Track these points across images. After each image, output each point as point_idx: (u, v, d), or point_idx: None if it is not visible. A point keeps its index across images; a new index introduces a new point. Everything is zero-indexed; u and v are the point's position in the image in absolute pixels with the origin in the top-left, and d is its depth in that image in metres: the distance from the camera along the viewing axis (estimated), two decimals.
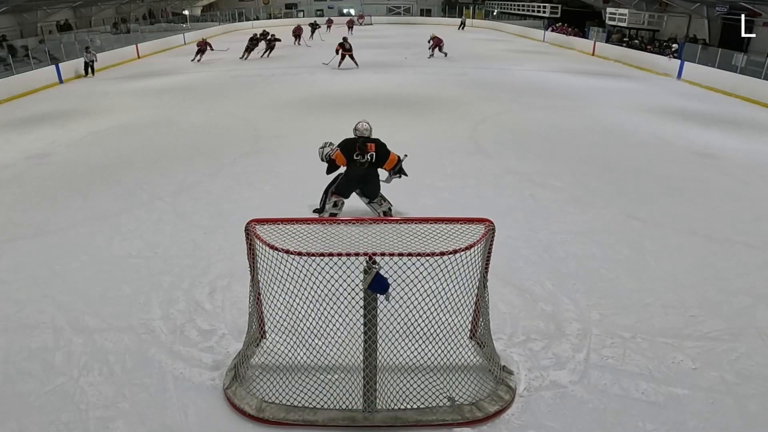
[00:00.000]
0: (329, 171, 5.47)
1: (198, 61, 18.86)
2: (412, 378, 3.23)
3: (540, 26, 29.06)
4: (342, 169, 5.42)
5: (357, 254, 2.75)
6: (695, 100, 13.03)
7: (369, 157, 5.24)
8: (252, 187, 6.73)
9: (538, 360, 3.57)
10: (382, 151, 5.30)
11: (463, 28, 33.14)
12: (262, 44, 19.93)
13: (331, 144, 5.51)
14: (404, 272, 2.87)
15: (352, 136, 5.34)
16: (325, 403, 3.13)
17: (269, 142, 8.73)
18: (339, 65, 16.70)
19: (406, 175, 5.52)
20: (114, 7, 29.68)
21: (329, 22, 32.08)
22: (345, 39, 17.28)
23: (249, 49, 19.47)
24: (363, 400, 3.06)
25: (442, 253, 2.81)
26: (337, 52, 16.88)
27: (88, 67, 16.40)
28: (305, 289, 2.98)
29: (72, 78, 15.97)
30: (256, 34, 20.17)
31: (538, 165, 7.56)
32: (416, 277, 2.91)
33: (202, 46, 19.04)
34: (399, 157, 5.38)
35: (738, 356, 3.62)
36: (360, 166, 5.28)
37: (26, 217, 5.91)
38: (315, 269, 2.86)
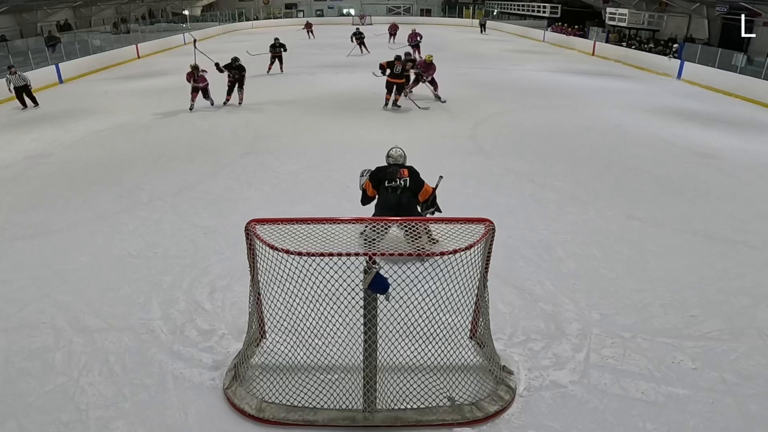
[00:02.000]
0: (363, 202, 5.01)
1: (191, 107, 11.07)
2: (412, 378, 3.23)
3: (539, 26, 29.06)
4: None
5: (357, 254, 2.75)
6: (695, 100, 13.02)
7: (402, 183, 4.82)
8: (252, 187, 6.73)
9: (538, 360, 3.57)
10: (416, 178, 4.87)
11: (483, 31, 31.51)
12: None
13: (368, 171, 5.06)
14: (404, 272, 2.87)
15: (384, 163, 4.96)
16: (325, 403, 3.13)
17: (269, 142, 8.73)
18: (436, 99, 11.65)
19: (440, 211, 5.05)
20: (114, 7, 29.72)
21: (308, 26, 28.19)
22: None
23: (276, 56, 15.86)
24: (363, 400, 3.06)
25: (442, 253, 2.82)
26: (421, 81, 11.65)
27: (22, 93, 11.50)
28: (305, 289, 2.98)
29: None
30: (277, 44, 15.98)
31: (538, 165, 7.56)
32: (416, 277, 2.92)
33: (200, 83, 10.92)
34: (434, 189, 4.94)
35: (738, 356, 3.62)
36: (392, 192, 4.84)
37: (26, 217, 5.91)
38: (315, 269, 2.86)
